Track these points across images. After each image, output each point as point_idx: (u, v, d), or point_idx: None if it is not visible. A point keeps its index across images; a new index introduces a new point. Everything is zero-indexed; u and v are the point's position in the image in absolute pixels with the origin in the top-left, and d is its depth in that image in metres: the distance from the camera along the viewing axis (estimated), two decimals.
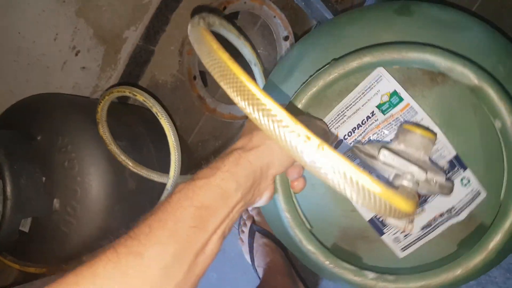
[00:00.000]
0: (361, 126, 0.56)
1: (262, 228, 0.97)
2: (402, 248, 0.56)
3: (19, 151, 0.72)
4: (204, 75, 1.13)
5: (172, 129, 0.75)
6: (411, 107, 0.53)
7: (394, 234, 0.56)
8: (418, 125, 0.50)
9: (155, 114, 0.74)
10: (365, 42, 0.55)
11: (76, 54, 0.99)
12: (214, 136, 1.14)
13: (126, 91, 0.72)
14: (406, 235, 0.55)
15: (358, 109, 0.56)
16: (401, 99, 0.53)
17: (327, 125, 0.56)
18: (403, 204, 0.30)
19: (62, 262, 0.71)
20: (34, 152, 0.74)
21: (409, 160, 0.43)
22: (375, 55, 0.51)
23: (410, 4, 0.59)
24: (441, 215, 0.54)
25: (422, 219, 0.54)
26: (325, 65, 0.55)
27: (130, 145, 0.84)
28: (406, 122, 0.53)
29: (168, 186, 0.77)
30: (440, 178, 0.44)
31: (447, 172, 0.53)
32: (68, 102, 0.87)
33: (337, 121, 0.57)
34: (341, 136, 0.57)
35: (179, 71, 1.16)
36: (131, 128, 0.93)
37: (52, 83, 0.98)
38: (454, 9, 0.60)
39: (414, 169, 0.42)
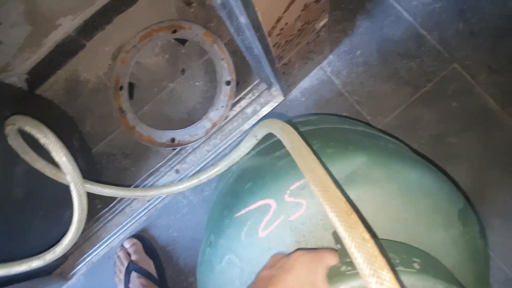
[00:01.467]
0: None
1: (140, 267, 0.96)
2: None
3: None
4: (132, 88, 1.09)
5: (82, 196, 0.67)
6: None
7: None
8: None
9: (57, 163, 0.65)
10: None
11: None
12: (123, 154, 1.10)
13: (33, 132, 0.61)
14: None
15: None
16: None
17: None
18: None
19: None
20: None
21: None
22: None
23: (469, 209, 0.56)
24: None
25: None
26: None
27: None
28: None
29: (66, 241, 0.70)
30: None
31: None
32: None
33: None
34: None
35: (106, 74, 1.10)
36: None
37: None
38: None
39: None
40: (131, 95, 1.09)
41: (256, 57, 0.85)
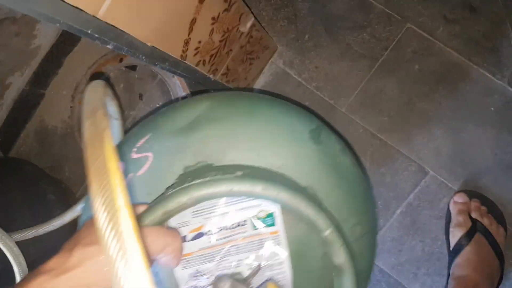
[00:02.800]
0: (228, 229, 0.56)
1: None
2: None
3: None
4: None
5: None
6: (279, 235, 0.55)
7: None
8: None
9: None
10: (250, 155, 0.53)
11: None
12: None
13: None
14: None
15: (232, 211, 0.55)
16: (273, 224, 0.54)
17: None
18: None
19: None
20: None
21: None
22: (268, 191, 0.48)
23: (323, 130, 0.59)
24: None
25: None
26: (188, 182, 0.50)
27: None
28: (273, 280, 0.54)
29: None
30: None
31: None
32: None
33: (209, 212, 0.56)
34: (205, 229, 0.56)
35: (70, 117, 1.15)
36: (2, 193, 0.92)
37: None
38: (352, 156, 0.61)
39: None
40: None
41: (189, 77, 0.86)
